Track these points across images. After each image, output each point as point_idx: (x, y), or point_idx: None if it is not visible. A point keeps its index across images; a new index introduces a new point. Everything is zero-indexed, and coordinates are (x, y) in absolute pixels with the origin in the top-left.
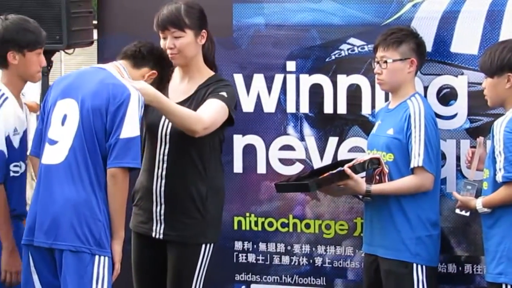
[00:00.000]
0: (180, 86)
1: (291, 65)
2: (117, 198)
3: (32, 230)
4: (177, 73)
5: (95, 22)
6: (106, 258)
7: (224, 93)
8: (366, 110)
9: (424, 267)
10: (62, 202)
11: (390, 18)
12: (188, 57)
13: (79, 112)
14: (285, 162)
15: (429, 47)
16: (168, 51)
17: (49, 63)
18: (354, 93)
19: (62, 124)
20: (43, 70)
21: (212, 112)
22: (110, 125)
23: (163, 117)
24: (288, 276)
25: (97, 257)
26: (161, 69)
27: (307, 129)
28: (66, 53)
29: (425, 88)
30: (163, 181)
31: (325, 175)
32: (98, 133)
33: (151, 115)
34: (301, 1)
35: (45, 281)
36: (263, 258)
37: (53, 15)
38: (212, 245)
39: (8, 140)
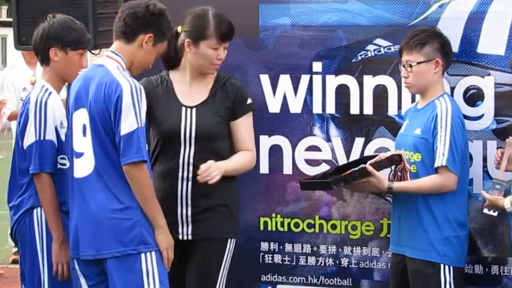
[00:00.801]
0: (192, 88)
1: (317, 66)
2: (140, 191)
3: (75, 243)
4: (181, 76)
5: None
6: (153, 252)
7: (249, 100)
8: (392, 110)
9: (451, 267)
10: (97, 212)
11: (416, 19)
12: None
13: (89, 120)
14: (311, 163)
15: (455, 48)
16: (217, 62)
17: None
18: (380, 93)
19: (84, 134)
20: None
21: (252, 137)
22: (114, 124)
23: (183, 121)
24: (314, 277)
25: (143, 254)
26: (155, 27)
27: (333, 130)
28: (93, 53)
29: (452, 89)
30: (189, 183)
31: (347, 172)
32: (109, 135)
33: (167, 121)
34: (327, 2)
35: (91, 283)
36: (289, 259)
37: (80, 15)
38: (235, 240)
39: (56, 132)
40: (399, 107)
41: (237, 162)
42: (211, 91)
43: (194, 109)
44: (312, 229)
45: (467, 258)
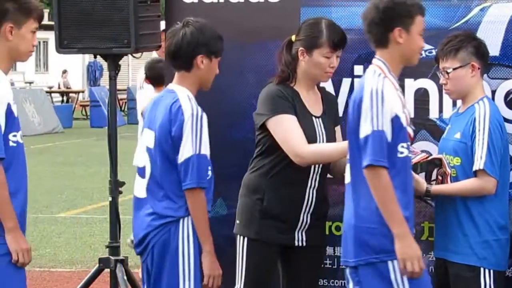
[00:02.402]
0: (310, 98)
1: (358, 69)
2: (376, 196)
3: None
4: (298, 86)
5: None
6: (395, 261)
7: None
8: (433, 114)
9: (491, 271)
10: (347, 219)
11: (457, 22)
12: None
13: None
14: None
15: (496, 51)
16: (330, 70)
17: (117, 67)
18: (421, 97)
19: None
20: (110, 74)
21: None
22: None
23: (317, 131)
24: None
25: (389, 262)
26: (400, 18)
27: None
28: (134, 57)
29: (493, 92)
30: (315, 191)
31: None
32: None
33: (306, 131)
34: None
35: None
36: (331, 262)
37: (121, 18)
38: None
39: None
40: (440, 111)
41: None
42: (323, 101)
43: (320, 119)
44: None
45: (509, 261)
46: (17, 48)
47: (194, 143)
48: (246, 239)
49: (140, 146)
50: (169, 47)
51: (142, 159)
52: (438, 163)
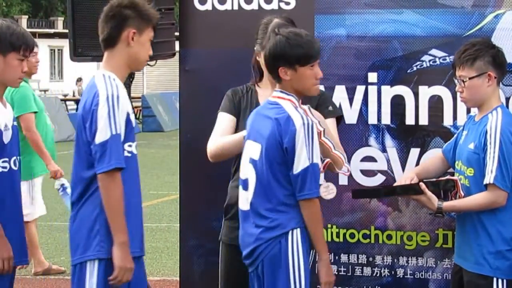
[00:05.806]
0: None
1: (372, 77)
2: None
3: None
4: (266, 85)
5: (177, 33)
6: None
7: (331, 107)
8: (447, 121)
9: (504, 280)
10: None
11: (471, 30)
12: None
13: None
14: (367, 173)
15: (510, 58)
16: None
17: (131, 75)
18: (435, 104)
19: None
20: (124, 82)
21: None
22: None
23: None
24: (369, 287)
25: None
26: None
27: (388, 141)
28: (148, 64)
29: (507, 99)
30: None
31: (399, 184)
32: None
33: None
34: (382, 13)
35: None
36: (345, 269)
37: None
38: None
39: None
40: (455, 118)
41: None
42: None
43: None
44: (368, 240)
45: None
46: (137, 55)
47: (309, 153)
48: (221, 243)
49: (243, 158)
50: None
51: (245, 171)
52: (452, 184)
